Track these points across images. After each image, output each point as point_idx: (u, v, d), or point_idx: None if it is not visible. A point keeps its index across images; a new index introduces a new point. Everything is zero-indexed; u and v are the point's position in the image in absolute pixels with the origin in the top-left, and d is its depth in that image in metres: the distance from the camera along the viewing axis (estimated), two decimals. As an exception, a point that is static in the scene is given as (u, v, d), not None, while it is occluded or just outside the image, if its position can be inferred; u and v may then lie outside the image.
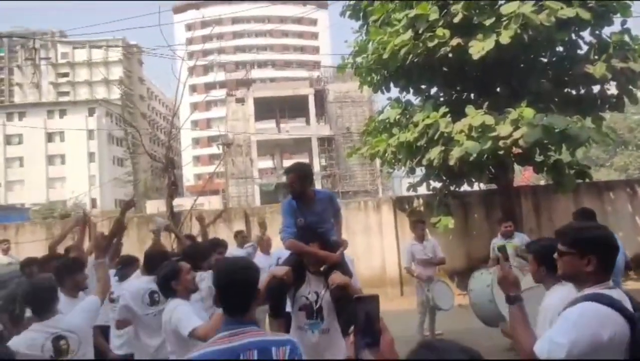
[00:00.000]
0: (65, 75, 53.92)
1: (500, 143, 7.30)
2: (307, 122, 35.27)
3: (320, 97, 34.08)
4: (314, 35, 59.98)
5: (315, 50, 56.70)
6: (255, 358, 1.62)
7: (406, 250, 6.38)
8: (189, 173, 51.62)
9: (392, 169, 10.10)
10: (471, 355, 0.94)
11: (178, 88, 9.26)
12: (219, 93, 42.92)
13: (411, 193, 10.68)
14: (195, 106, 45.95)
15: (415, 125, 8.37)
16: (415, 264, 6.22)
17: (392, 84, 9.95)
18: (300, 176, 3.20)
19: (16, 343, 2.60)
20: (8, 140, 46.26)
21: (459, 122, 7.81)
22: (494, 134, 7.27)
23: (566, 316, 1.57)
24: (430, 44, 7.73)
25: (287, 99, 33.95)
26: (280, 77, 44.51)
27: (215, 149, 49.74)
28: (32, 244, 9.08)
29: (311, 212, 3.19)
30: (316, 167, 34.30)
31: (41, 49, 50.87)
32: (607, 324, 1.50)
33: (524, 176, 18.76)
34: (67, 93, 52.85)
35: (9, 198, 43.31)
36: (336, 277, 2.77)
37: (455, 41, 7.63)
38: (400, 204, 10.59)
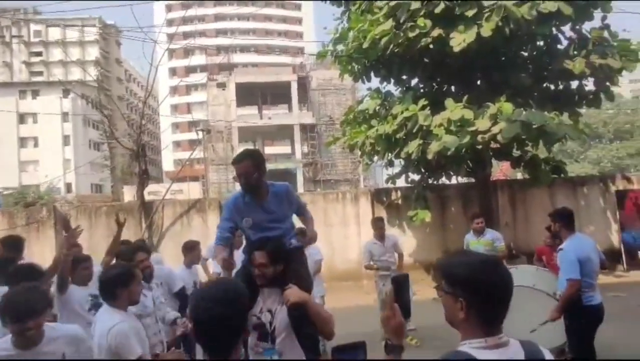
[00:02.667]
0: (39, 54, 51.79)
1: (479, 138, 7.23)
2: (290, 109, 34.88)
3: (303, 84, 33.69)
4: (298, 21, 58.98)
5: (299, 36, 55.80)
6: None
7: (364, 250, 6.24)
8: (168, 159, 50.67)
9: (370, 161, 9.98)
10: None
11: (150, 71, 8.90)
12: (199, 77, 41.92)
13: (390, 185, 10.60)
14: (174, 90, 44.83)
15: (394, 117, 8.23)
16: (374, 261, 6.13)
17: (372, 74, 9.77)
18: (256, 163, 2.70)
19: None
20: (-23, 121, 44.39)
21: (438, 116, 7.71)
22: (472, 128, 7.20)
23: None
24: (411, 34, 7.56)
25: (270, 85, 33.46)
26: (262, 63, 43.62)
27: (195, 135, 48.78)
28: (-7, 234, 8.64)
29: (263, 210, 2.72)
30: (298, 155, 34.11)
31: (12, 26, 48.65)
32: None
33: (501, 170, 18.97)
34: (40, 73, 50.81)
35: (-21, 181, 41.77)
36: (291, 293, 2.26)
37: (436, 32, 7.47)
38: (378, 196, 10.51)
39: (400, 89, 9.87)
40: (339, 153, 32.47)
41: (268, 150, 39.98)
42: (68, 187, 42.90)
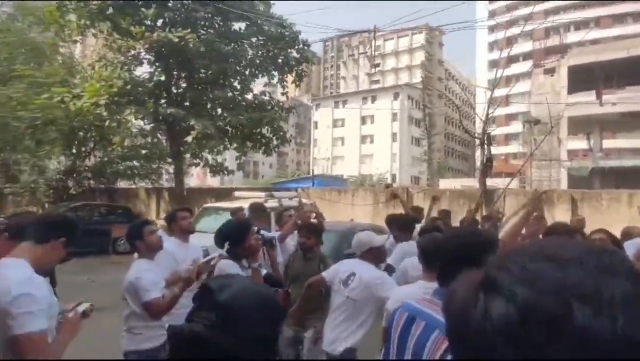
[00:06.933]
0: (377, 65, 62.02)
1: None
2: (646, 90, 27.42)
3: (674, 55, 25.73)
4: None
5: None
6: None
7: None
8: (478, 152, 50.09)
9: None
10: None
11: (501, 64, 8.65)
12: (521, 67, 39.09)
13: None
14: (493, 83, 43.63)
15: None
16: None
17: None
18: None
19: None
20: (335, 123, 57.58)
21: None
22: None
23: None
24: None
25: (617, 62, 27.34)
26: (606, 38, 35.99)
27: (511, 128, 46.01)
28: (363, 207, 10.74)
29: None
30: (655, 150, 26.46)
31: (360, 45, 60.21)
32: None
33: None
34: (377, 81, 60.75)
35: (333, 170, 54.13)
36: None
37: None
38: None
39: None
40: None
41: (607, 143, 33.02)
42: (393, 178, 49.49)
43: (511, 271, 0.45)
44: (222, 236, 2.96)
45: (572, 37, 37.95)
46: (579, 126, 30.41)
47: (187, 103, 14.14)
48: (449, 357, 1.23)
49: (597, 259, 0.44)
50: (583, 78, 29.01)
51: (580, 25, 39.61)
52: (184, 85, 14.59)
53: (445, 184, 36.27)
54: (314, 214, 8.93)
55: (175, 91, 14.58)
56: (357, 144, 54.92)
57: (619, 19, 39.39)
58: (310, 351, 3.20)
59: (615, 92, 28.92)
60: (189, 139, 14.42)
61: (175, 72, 14.28)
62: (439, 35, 54.27)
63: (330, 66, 75.51)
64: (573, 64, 29.65)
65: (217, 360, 0.85)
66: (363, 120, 54.62)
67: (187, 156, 15.27)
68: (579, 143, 32.80)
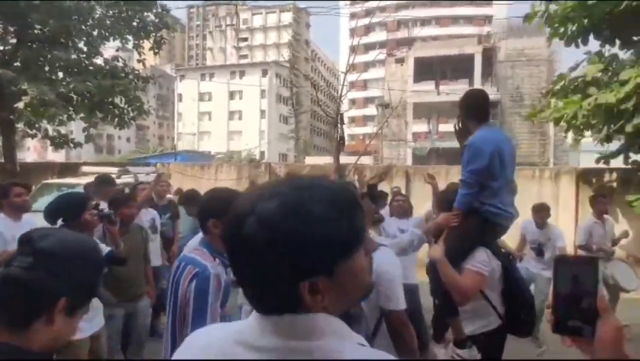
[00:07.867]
0: (245, 40, 60.69)
1: None
2: (471, 83, 32.79)
3: (488, 56, 31.14)
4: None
5: (488, 3, 51.09)
6: None
7: (584, 228, 5.61)
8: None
9: (580, 137, 8.76)
10: None
11: (354, 50, 9.51)
12: (377, 54, 42.74)
13: (601, 166, 9.17)
14: (353, 67, 46.92)
15: (622, 84, 6.99)
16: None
17: (591, 36, 8.44)
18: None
19: None
20: (201, 97, 54.99)
21: (689, 81, 6.25)
22: None
23: None
24: (660, -20, 6.22)
25: (450, 58, 32.00)
26: (444, 35, 41.65)
27: (369, 111, 50.39)
28: (226, 182, 10.84)
29: None
30: (476, 134, 32.03)
31: (227, 16, 58.05)
32: None
33: None
34: (245, 56, 59.64)
35: (200, 146, 52.04)
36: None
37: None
38: (585, 176, 9.22)
39: (630, 51, 8.29)
40: (525, 133, 29.32)
41: (443, 128, 38.70)
42: (262, 154, 49.91)
43: (256, 194, 0.71)
44: (54, 211, 2.67)
45: (419, 31, 42.93)
46: (421, 111, 34.91)
47: (18, 63, 12.05)
48: (193, 283, 1.72)
49: (296, 193, 0.67)
50: (425, 69, 33.27)
51: (424, 21, 45.02)
52: (12, 41, 12.36)
53: (310, 161, 37.93)
54: (173, 188, 8.73)
55: (1, 48, 12.28)
56: (225, 120, 53.55)
57: (455, 20, 45.90)
58: None
59: (448, 83, 33.99)
60: (21, 105, 12.38)
61: (0, 26, 11.99)
62: (306, 16, 55.67)
63: (195, 35, 71.36)
64: (418, 56, 33.69)
65: (37, 299, 0.92)
66: (231, 95, 53.33)
67: (20, 125, 13.06)
68: (422, 126, 37.65)
